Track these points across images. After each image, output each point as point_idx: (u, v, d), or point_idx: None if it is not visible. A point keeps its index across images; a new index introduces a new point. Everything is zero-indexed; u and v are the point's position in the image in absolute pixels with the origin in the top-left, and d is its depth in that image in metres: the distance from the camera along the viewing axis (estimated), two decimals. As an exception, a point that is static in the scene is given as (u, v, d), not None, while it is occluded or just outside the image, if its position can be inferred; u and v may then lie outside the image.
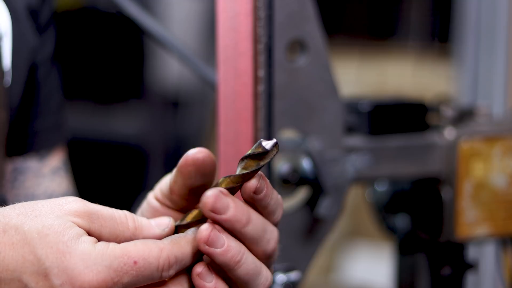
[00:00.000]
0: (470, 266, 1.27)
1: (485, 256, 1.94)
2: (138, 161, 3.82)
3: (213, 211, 0.80)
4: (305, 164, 1.12)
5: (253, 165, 0.80)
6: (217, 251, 0.80)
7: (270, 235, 0.84)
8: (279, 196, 0.85)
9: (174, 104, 3.80)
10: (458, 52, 2.31)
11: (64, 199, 0.80)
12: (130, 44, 3.87)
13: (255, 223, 0.83)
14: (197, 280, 0.81)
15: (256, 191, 0.82)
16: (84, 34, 3.91)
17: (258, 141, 0.80)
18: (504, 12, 2.10)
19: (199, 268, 0.81)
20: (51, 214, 0.79)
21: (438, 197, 1.22)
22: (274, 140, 0.80)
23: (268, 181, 0.83)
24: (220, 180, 0.82)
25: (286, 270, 1.11)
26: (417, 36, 3.57)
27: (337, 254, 3.34)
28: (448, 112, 1.26)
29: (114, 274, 0.77)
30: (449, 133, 1.22)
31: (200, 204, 0.81)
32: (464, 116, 1.27)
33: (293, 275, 1.11)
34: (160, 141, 3.78)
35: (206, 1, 3.73)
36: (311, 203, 1.13)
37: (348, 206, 1.19)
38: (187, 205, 0.88)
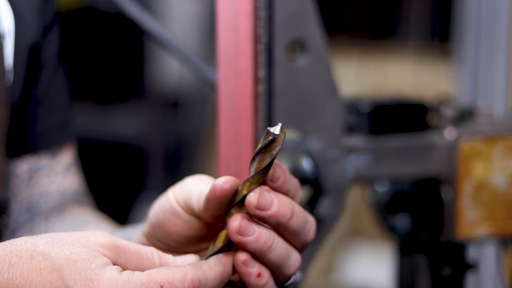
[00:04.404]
0: (470, 266, 1.27)
1: (486, 256, 1.94)
2: (138, 161, 3.81)
3: (259, 208, 0.82)
4: (305, 164, 1.12)
5: (267, 158, 0.81)
6: (249, 239, 0.82)
7: (310, 225, 0.87)
8: (296, 180, 0.87)
9: (174, 104, 3.79)
10: (458, 52, 2.31)
11: (91, 232, 0.82)
12: (130, 44, 3.87)
13: (298, 215, 0.85)
14: (242, 268, 0.84)
15: (273, 179, 0.84)
16: (84, 34, 3.91)
17: (265, 131, 0.81)
18: (504, 12, 2.10)
19: (243, 256, 0.84)
20: (78, 243, 0.80)
21: (439, 197, 1.22)
22: (279, 124, 0.81)
23: (283, 166, 0.85)
24: (240, 188, 0.83)
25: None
26: (417, 36, 3.56)
27: (337, 254, 3.34)
28: (448, 112, 1.26)
29: None
30: (449, 133, 1.21)
31: (246, 203, 0.83)
32: (464, 116, 1.27)
33: (294, 275, 1.11)
34: (160, 141, 3.78)
35: (206, 1, 3.73)
36: (311, 203, 1.13)
37: (348, 206, 1.19)
38: (213, 222, 0.88)
